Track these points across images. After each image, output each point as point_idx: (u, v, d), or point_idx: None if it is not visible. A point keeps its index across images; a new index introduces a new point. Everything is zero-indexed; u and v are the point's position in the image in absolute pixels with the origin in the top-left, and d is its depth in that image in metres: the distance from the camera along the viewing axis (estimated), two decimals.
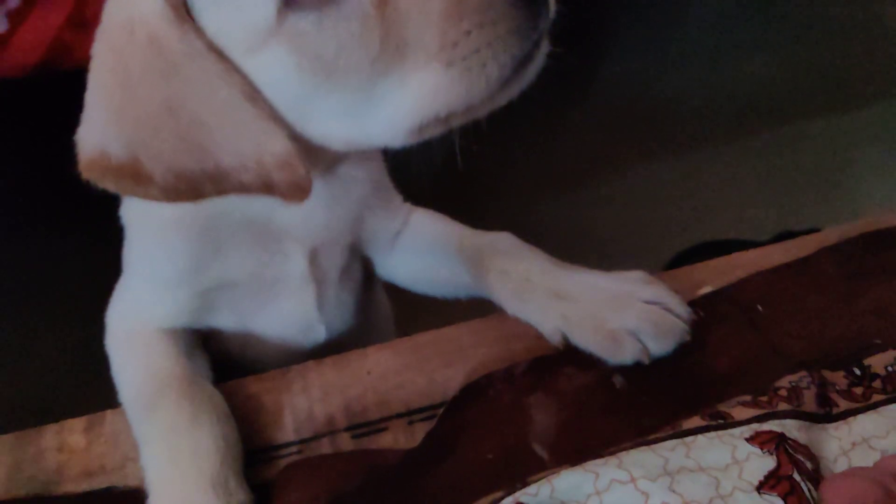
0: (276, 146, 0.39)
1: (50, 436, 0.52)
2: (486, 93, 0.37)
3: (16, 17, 1.02)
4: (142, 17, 0.38)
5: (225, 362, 0.56)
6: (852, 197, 1.52)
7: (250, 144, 0.39)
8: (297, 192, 0.40)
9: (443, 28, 0.36)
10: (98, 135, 0.40)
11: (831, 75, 1.79)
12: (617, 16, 1.92)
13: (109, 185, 0.40)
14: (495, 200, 1.33)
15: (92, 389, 0.55)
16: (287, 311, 0.56)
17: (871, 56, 1.79)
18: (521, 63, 0.38)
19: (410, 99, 0.38)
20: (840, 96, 1.75)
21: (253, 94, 0.39)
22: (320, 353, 0.58)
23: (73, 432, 0.52)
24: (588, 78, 1.79)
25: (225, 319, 0.55)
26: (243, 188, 0.40)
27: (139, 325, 0.52)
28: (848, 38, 1.86)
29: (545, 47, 0.40)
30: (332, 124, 0.41)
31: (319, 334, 0.58)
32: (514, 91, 0.39)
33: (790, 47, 1.85)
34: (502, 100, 0.39)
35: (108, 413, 0.53)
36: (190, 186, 0.40)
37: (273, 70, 0.39)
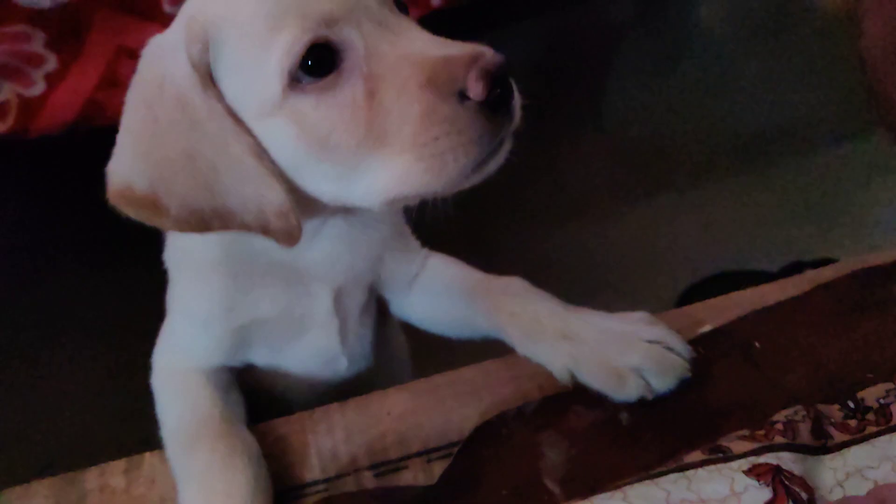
0: (275, 198, 0.45)
1: (92, 478, 0.56)
2: (447, 185, 0.43)
3: (53, 79, 1.09)
4: (172, 77, 0.44)
5: (257, 394, 0.60)
6: (863, 225, 1.54)
7: (254, 193, 0.45)
8: (289, 238, 0.46)
9: (417, 129, 0.42)
10: (125, 170, 0.46)
11: (840, 104, 1.81)
12: (625, 50, 1.97)
13: (131, 213, 0.46)
14: (505, 234, 1.36)
15: (131, 430, 0.59)
16: (313, 344, 0.60)
17: None
18: (484, 160, 0.44)
19: (385, 178, 0.44)
20: (849, 125, 1.77)
21: (260, 152, 0.45)
22: (342, 383, 0.63)
23: (114, 474, 0.56)
24: (597, 111, 1.83)
25: (258, 354, 0.59)
26: (245, 227, 0.46)
27: (181, 364, 0.56)
28: (855, 68, 1.89)
29: (508, 145, 0.45)
30: (323, 185, 0.47)
31: (342, 366, 0.62)
32: (475, 181, 0.45)
33: (798, 78, 1.88)
34: (465, 186, 0.45)
35: (147, 455, 0.56)
36: (199, 221, 0.46)
37: (276, 136, 0.45)
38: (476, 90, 0.41)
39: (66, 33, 1.08)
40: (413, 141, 0.42)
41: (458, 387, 0.58)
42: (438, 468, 0.52)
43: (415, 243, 0.65)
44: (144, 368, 0.59)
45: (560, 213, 1.51)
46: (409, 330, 0.72)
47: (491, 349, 0.60)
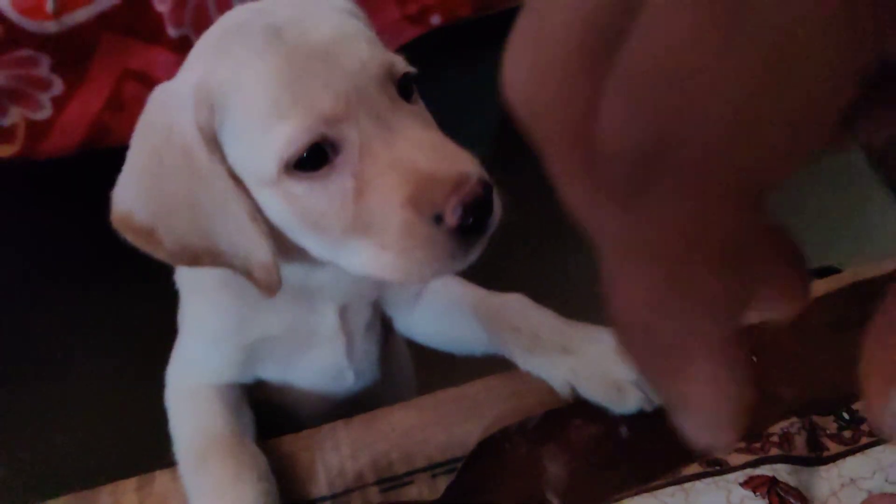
0: (262, 256, 0.48)
1: (105, 496, 0.57)
2: (420, 280, 0.48)
3: (60, 102, 1.11)
4: (180, 130, 0.46)
5: (267, 407, 0.62)
6: (865, 234, 1.55)
7: (244, 245, 0.48)
8: (267, 289, 0.49)
9: (395, 237, 0.44)
10: (128, 200, 0.48)
11: None
12: None
13: (129, 239, 0.49)
14: (506, 252, 1.36)
15: (144, 448, 0.60)
16: (321, 360, 0.62)
17: None
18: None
19: (368, 261, 0.46)
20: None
21: (255, 213, 0.48)
22: (349, 397, 0.65)
23: (126, 491, 0.57)
24: None
25: (268, 370, 0.61)
26: (232, 267, 0.49)
27: (193, 381, 0.58)
28: None
29: (481, 248, 0.47)
30: (313, 248, 0.50)
31: (349, 380, 0.64)
32: (447, 274, 0.48)
33: None
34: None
35: (158, 473, 0.57)
36: (190, 256, 0.49)
37: (271, 205, 0.48)
38: (452, 220, 0.43)
39: (71, 57, 1.10)
40: (391, 244, 0.44)
41: (461, 402, 0.59)
42: (443, 483, 0.53)
43: None
44: (156, 386, 0.61)
45: (560, 230, 1.52)
46: (412, 346, 0.74)
47: (493, 364, 0.61)
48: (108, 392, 0.93)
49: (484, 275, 0.66)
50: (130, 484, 0.58)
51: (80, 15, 1.07)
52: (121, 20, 1.09)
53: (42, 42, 1.07)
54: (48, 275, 1.17)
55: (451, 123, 0.59)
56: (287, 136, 0.43)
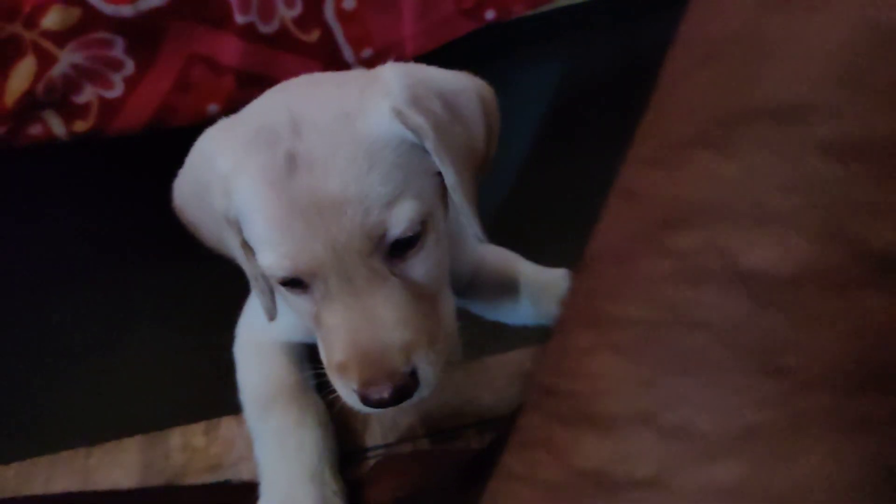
0: (266, 303, 0.54)
1: (175, 437, 0.62)
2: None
3: (131, 82, 1.17)
4: (211, 193, 0.51)
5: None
6: None
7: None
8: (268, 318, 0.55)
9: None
10: (181, 199, 0.56)
11: None
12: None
13: (183, 223, 0.57)
14: (552, 238, 1.39)
15: (209, 401, 0.65)
16: None
17: None
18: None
19: None
20: None
21: (258, 276, 0.52)
22: None
23: (195, 434, 0.62)
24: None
25: None
26: None
27: (262, 337, 0.62)
28: None
29: (417, 398, 0.50)
30: None
31: None
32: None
33: None
34: None
35: (224, 419, 0.62)
36: (226, 255, 0.55)
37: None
38: (360, 403, 0.48)
39: (143, 40, 1.16)
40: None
41: (507, 368, 0.62)
42: (488, 439, 0.57)
43: (471, 240, 0.70)
44: (219, 347, 0.65)
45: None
46: (461, 314, 0.77)
47: (540, 335, 0.64)
48: (176, 351, 0.99)
49: (538, 254, 0.69)
50: (199, 427, 0.63)
51: (155, 0, 1.13)
52: (191, 7, 1.15)
53: (117, 25, 1.13)
54: (113, 249, 1.24)
55: (501, 118, 0.62)
56: (267, 265, 0.48)
